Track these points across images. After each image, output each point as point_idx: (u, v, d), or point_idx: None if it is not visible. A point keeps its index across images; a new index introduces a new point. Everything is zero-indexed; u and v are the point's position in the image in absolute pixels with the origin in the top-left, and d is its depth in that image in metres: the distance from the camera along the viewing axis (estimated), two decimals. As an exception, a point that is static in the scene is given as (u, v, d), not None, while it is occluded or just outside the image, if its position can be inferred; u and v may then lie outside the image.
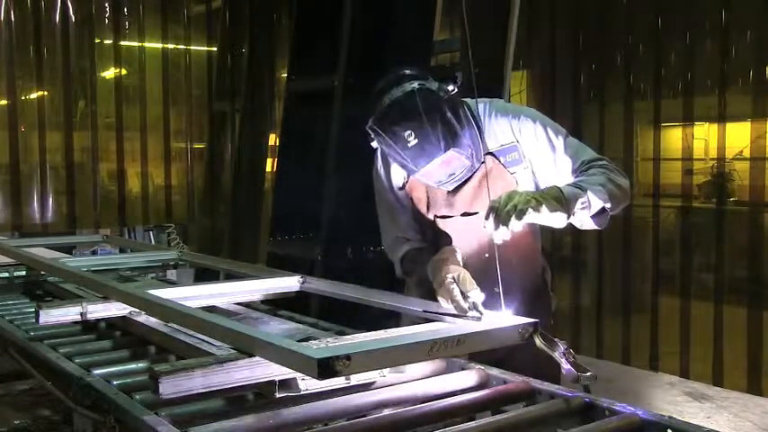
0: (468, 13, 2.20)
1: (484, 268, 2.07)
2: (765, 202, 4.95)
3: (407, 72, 2.09)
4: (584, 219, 2.03)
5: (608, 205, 2.03)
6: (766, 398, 4.65)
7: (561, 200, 1.95)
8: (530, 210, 1.87)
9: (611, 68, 5.64)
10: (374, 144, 2.12)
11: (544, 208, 1.90)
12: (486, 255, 2.13)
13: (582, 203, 1.99)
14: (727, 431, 3.99)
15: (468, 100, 2.22)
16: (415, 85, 2.04)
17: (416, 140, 1.98)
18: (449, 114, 2.03)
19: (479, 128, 2.18)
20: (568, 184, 2.05)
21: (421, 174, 2.08)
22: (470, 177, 2.18)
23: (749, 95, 4.98)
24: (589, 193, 2.00)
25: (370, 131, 2.09)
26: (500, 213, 1.87)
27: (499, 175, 2.19)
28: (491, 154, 2.19)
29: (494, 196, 2.01)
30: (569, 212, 1.96)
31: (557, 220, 1.95)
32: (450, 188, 2.20)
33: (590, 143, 2.36)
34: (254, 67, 6.61)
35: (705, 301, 5.14)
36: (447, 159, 2.04)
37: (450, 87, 2.06)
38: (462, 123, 2.07)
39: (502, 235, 1.88)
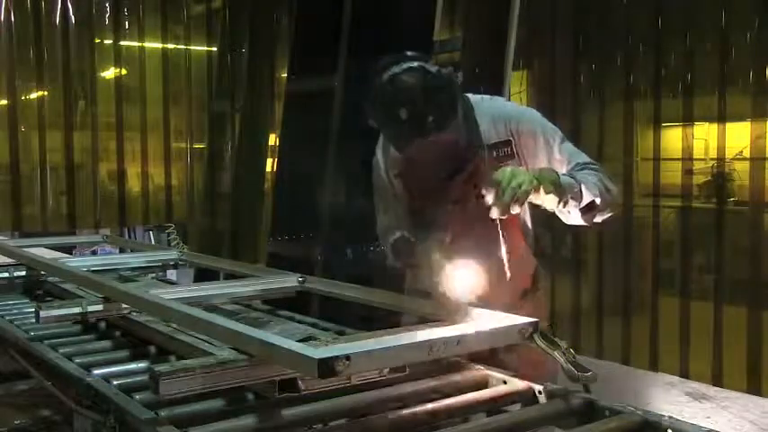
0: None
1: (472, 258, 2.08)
2: (765, 202, 4.94)
3: (409, 54, 2.12)
4: (572, 210, 2.07)
5: (598, 200, 2.07)
6: (766, 398, 4.64)
7: (557, 183, 1.98)
8: (530, 186, 1.89)
9: (611, 68, 5.63)
10: (369, 121, 2.13)
11: (541, 189, 1.94)
12: (474, 245, 2.14)
13: (574, 191, 2.03)
14: (728, 431, 3.99)
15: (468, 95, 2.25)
16: (415, 64, 2.06)
17: (409, 115, 2.00)
18: (445, 95, 2.05)
19: (474, 119, 2.19)
20: (563, 174, 2.07)
21: (410, 151, 2.10)
22: (462, 169, 2.20)
23: (749, 95, 4.98)
24: (582, 185, 2.04)
25: (366, 107, 2.10)
26: (504, 189, 1.88)
27: (491, 167, 2.19)
28: (484, 146, 2.21)
29: (483, 190, 2.01)
30: (561, 198, 2.00)
31: (549, 203, 1.99)
32: (441, 173, 2.21)
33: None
34: (254, 67, 6.61)
35: (705, 301, 5.14)
36: (437, 139, 2.05)
37: (449, 71, 2.09)
38: (457, 108, 2.08)
39: (500, 212, 1.89)
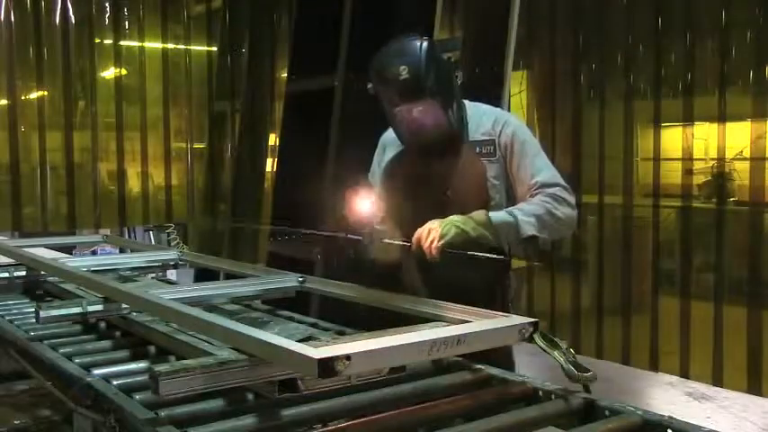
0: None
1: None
2: (765, 202, 4.94)
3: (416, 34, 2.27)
4: (511, 242, 2.25)
5: (541, 235, 2.21)
6: (766, 398, 4.65)
7: (486, 224, 2.12)
8: (450, 236, 2.07)
9: (611, 68, 5.64)
10: (370, 86, 2.26)
11: (469, 231, 2.10)
12: None
13: (509, 228, 2.17)
14: (728, 431, 3.99)
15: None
16: (415, 37, 2.22)
17: (408, 75, 2.15)
18: (443, 69, 2.20)
19: (464, 115, 2.33)
20: (504, 210, 2.22)
21: (399, 110, 2.21)
22: (444, 160, 2.30)
23: (749, 95, 4.98)
24: (519, 220, 2.17)
25: (370, 68, 2.23)
26: (423, 245, 2.08)
27: (471, 160, 2.31)
28: (469, 141, 2.32)
29: (464, 181, 2.25)
30: (495, 235, 2.15)
31: (482, 241, 2.12)
32: (425, 160, 2.31)
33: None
34: (254, 67, 6.62)
35: (705, 301, 5.14)
36: (426, 106, 2.19)
37: (450, 55, 2.20)
38: (452, 88, 2.23)
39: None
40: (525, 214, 2.19)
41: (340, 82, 4.42)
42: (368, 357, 1.49)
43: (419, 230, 2.11)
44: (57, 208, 6.54)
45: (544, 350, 1.75)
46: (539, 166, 2.29)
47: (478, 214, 2.15)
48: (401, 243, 2.15)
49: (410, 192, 2.36)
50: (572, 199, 2.28)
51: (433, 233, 2.07)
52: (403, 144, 2.38)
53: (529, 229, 2.17)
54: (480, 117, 2.35)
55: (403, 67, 2.14)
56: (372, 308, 2.24)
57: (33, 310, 2.29)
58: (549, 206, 2.22)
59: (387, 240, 2.17)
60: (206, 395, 1.63)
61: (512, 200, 2.34)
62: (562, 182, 2.29)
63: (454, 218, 2.12)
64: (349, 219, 2.15)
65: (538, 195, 2.24)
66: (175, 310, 1.98)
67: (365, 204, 2.14)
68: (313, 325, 2.35)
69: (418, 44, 2.18)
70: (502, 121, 2.34)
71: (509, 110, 4.56)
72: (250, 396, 1.72)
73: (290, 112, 5.06)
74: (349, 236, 2.18)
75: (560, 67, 5.91)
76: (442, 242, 2.06)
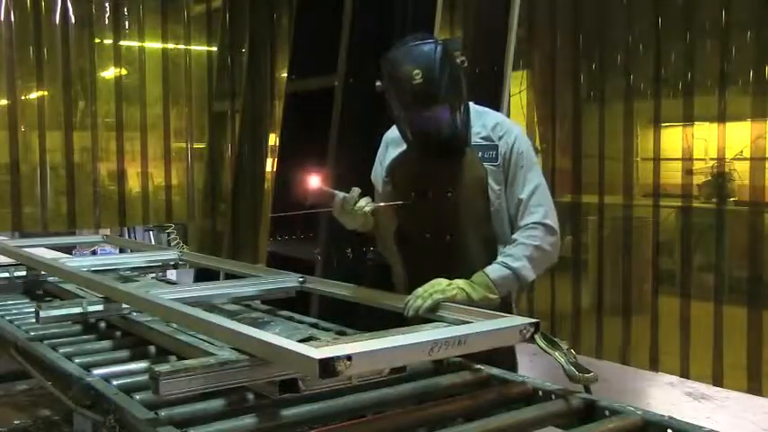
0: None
1: (445, 249, 2.27)
2: (765, 202, 4.94)
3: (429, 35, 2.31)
4: (514, 291, 2.34)
5: (536, 275, 2.29)
6: (766, 398, 4.64)
7: (488, 286, 2.18)
8: (457, 299, 2.09)
9: (611, 68, 5.63)
10: (378, 84, 2.25)
11: (473, 294, 2.13)
12: (449, 237, 2.31)
13: (510, 281, 2.22)
14: (728, 431, 3.99)
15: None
16: (430, 39, 2.23)
17: (422, 80, 2.14)
18: (455, 74, 2.20)
19: (469, 120, 2.33)
20: (496, 263, 2.24)
21: (409, 112, 2.22)
22: (448, 161, 2.31)
23: (749, 95, 4.98)
24: (516, 270, 2.22)
25: (381, 66, 2.23)
26: (418, 298, 2.07)
27: (474, 163, 2.32)
28: (471, 145, 2.33)
29: (466, 183, 2.27)
30: (499, 293, 2.20)
31: (488, 303, 2.15)
32: (427, 162, 2.32)
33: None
34: (254, 67, 6.61)
35: (705, 301, 5.13)
36: (437, 110, 2.19)
37: (461, 60, 2.24)
38: (461, 92, 2.24)
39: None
40: (516, 260, 2.23)
41: (340, 82, 4.41)
42: (369, 358, 1.49)
43: (424, 287, 2.11)
44: (57, 208, 6.53)
45: (545, 351, 1.76)
46: (530, 180, 2.31)
47: (479, 276, 2.19)
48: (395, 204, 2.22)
49: (412, 190, 2.36)
50: (555, 222, 2.31)
51: (437, 294, 2.08)
52: (407, 144, 2.37)
53: (529, 275, 2.23)
54: (484, 120, 2.36)
55: (417, 72, 2.13)
56: (373, 308, 2.24)
57: (33, 310, 2.29)
58: (533, 240, 2.26)
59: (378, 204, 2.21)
60: (206, 395, 1.63)
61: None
62: (547, 202, 2.31)
63: (459, 282, 2.14)
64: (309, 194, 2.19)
65: (521, 231, 2.27)
66: (176, 310, 1.99)
67: (315, 180, 2.19)
68: (313, 325, 2.35)
69: (433, 48, 2.17)
70: (505, 127, 2.35)
71: (509, 109, 4.56)
72: (250, 396, 1.72)
73: (290, 112, 5.05)
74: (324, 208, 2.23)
75: (560, 67, 5.91)
76: (438, 299, 2.07)
